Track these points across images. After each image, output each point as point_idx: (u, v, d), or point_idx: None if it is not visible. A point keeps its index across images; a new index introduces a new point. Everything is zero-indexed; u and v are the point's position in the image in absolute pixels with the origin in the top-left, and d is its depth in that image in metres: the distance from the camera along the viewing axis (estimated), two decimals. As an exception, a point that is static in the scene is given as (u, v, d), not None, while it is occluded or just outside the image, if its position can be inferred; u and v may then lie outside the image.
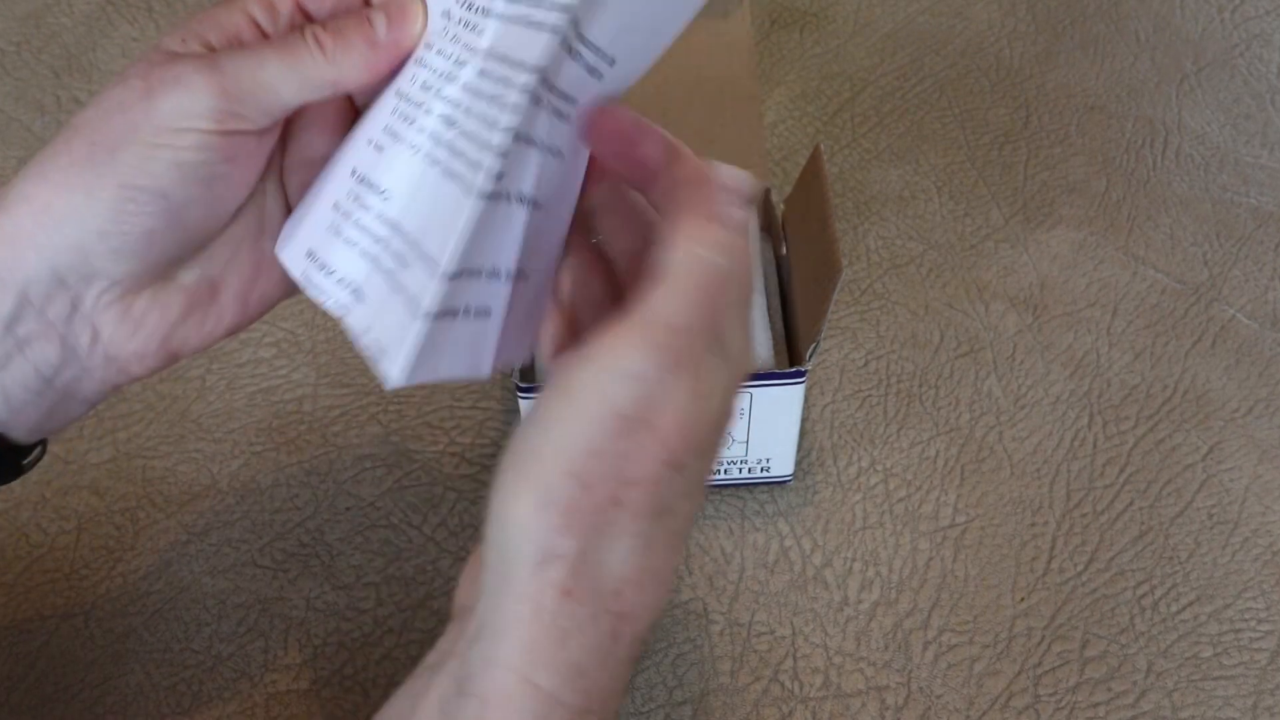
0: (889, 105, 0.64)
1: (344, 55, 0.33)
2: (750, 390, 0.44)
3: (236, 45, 0.33)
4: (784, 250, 0.48)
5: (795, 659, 0.44)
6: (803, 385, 0.44)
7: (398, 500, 0.49)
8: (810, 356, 0.43)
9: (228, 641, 0.45)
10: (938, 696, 0.43)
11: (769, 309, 0.47)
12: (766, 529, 0.48)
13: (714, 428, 0.29)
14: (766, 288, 0.47)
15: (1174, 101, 0.64)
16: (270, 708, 0.43)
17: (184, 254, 0.34)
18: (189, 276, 0.35)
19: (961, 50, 0.67)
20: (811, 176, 0.45)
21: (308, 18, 0.34)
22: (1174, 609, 0.45)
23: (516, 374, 0.43)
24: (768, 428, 0.46)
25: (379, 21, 0.33)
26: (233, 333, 0.36)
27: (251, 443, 0.51)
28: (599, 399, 0.27)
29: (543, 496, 0.26)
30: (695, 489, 0.29)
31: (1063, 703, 0.42)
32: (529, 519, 0.27)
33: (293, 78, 0.33)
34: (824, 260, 0.42)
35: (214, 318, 0.36)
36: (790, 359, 0.46)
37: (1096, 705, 0.42)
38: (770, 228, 0.50)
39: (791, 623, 0.45)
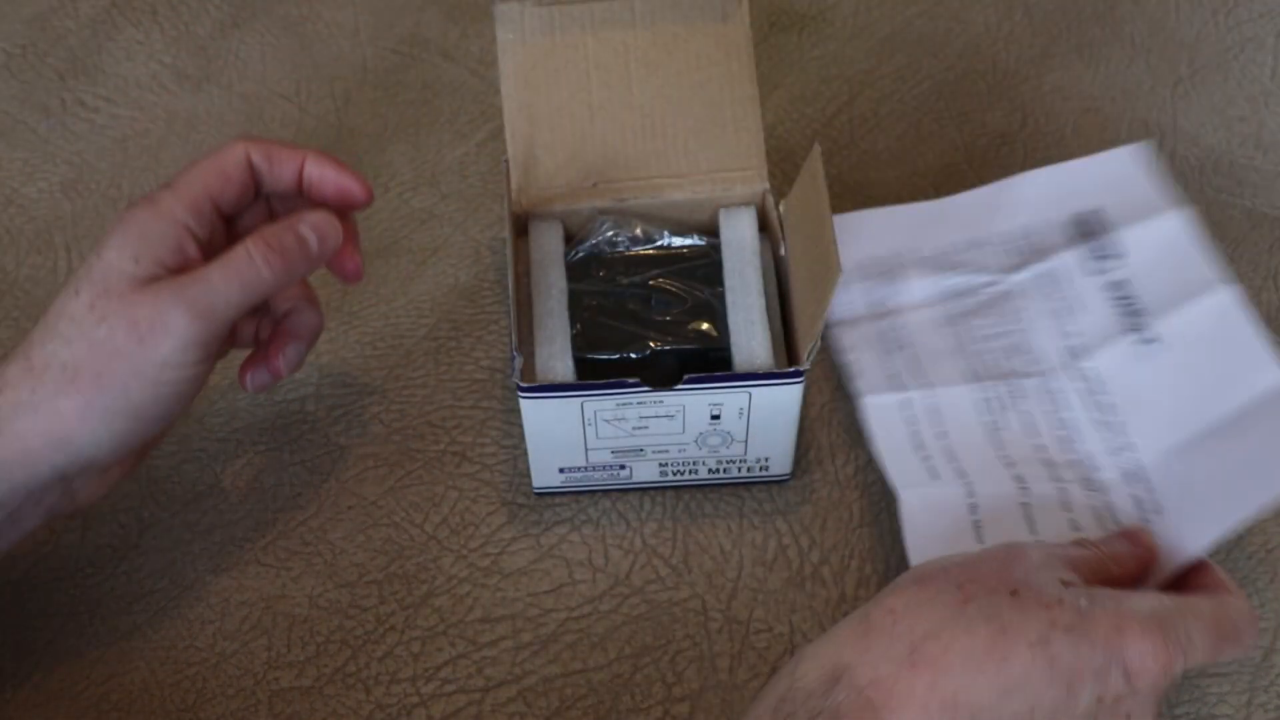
0: (887, 107, 0.65)
1: (286, 269, 0.40)
2: (749, 389, 0.44)
3: (186, 265, 0.40)
4: (782, 251, 0.48)
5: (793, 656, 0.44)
6: (801, 385, 0.44)
7: (400, 499, 0.49)
8: (809, 357, 0.43)
9: (231, 639, 0.45)
10: (934, 693, 0.43)
11: (768, 310, 0.47)
12: (764, 527, 0.48)
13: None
14: (765, 289, 0.48)
15: (1169, 104, 0.64)
16: (274, 705, 0.44)
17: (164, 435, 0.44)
18: (148, 442, 0.43)
19: (959, 53, 0.67)
20: (810, 177, 0.45)
21: (222, 217, 0.43)
22: (1168, 606, 0.45)
23: (517, 374, 0.44)
24: (766, 427, 0.46)
25: (312, 239, 0.41)
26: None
27: (255, 442, 0.51)
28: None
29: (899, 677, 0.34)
30: None
31: (1058, 699, 0.43)
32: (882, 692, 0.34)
33: (247, 294, 0.40)
34: (822, 261, 0.42)
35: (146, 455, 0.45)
36: (789, 359, 0.47)
37: (1091, 701, 0.43)
38: (769, 228, 0.50)
39: (790, 620, 0.45)
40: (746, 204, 0.50)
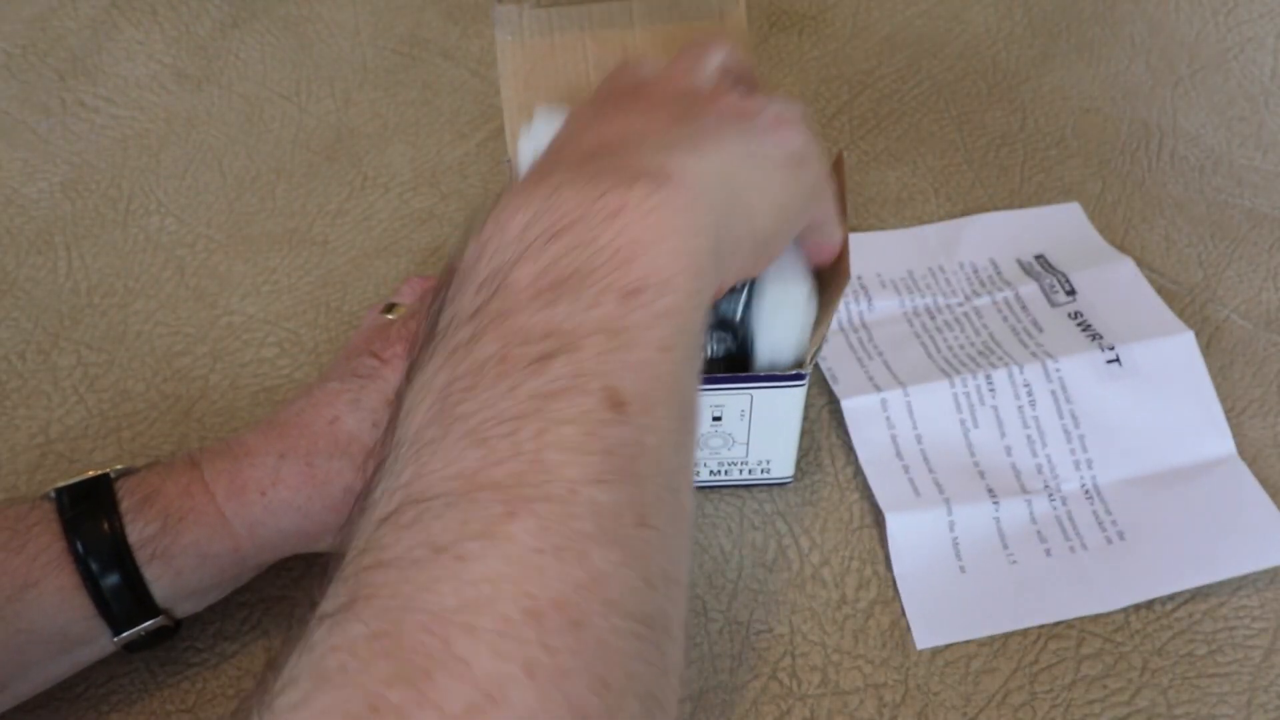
0: (886, 108, 0.65)
1: None
2: (751, 391, 0.44)
3: None
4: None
5: (794, 657, 0.44)
6: (804, 387, 0.44)
7: (400, 499, 0.49)
8: (812, 360, 0.43)
9: (232, 640, 0.45)
10: (935, 694, 0.43)
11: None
12: (765, 528, 0.48)
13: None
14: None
15: (1169, 104, 0.64)
16: (274, 705, 0.44)
17: None
18: None
19: (959, 53, 0.67)
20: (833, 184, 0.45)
21: None
22: (1169, 607, 0.45)
23: None
24: (768, 429, 0.46)
25: None
26: None
27: (255, 443, 0.51)
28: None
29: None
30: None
31: (1059, 700, 0.43)
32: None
33: None
34: (833, 267, 0.43)
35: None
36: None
37: (1092, 702, 0.43)
38: None
39: (790, 621, 0.45)
40: None
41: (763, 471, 0.48)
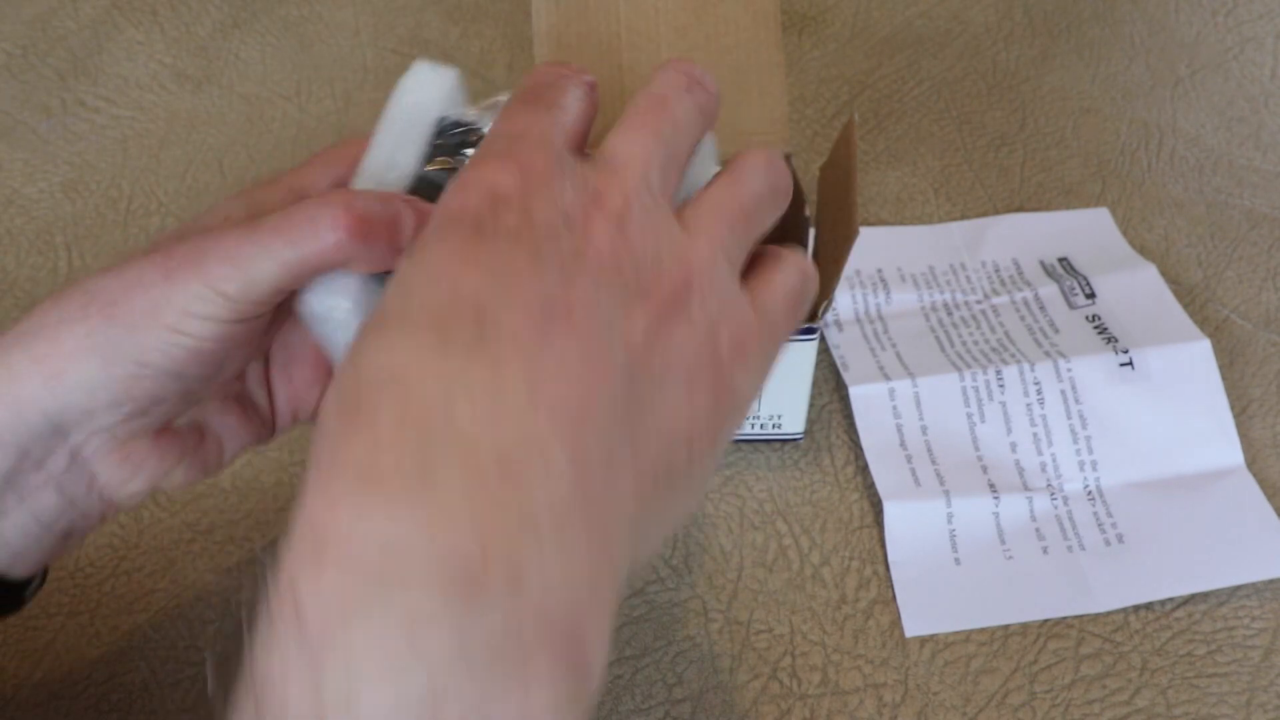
0: (886, 108, 0.65)
1: (358, 240, 0.31)
2: None
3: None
4: (807, 212, 0.49)
5: (793, 656, 0.44)
6: (815, 342, 0.45)
7: (400, 499, 0.49)
8: (823, 314, 0.44)
9: (231, 639, 0.45)
10: (934, 694, 0.43)
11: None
12: (765, 528, 0.48)
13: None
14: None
15: (1168, 104, 0.64)
16: (274, 704, 0.44)
17: (183, 411, 0.35)
18: (182, 422, 0.36)
19: (959, 54, 0.68)
20: (844, 143, 0.46)
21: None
22: (1168, 607, 0.45)
23: None
24: (779, 384, 0.46)
25: (408, 219, 0.32)
26: (210, 476, 0.37)
27: (255, 443, 0.51)
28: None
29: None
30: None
31: (1058, 700, 0.43)
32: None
33: (296, 252, 0.31)
34: (844, 222, 0.43)
35: (200, 461, 0.36)
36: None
37: (1091, 702, 0.43)
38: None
39: (790, 621, 0.45)
40: None
41: (774, 427, 0.48)
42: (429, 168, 0.34)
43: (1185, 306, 0.54)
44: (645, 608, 0.46)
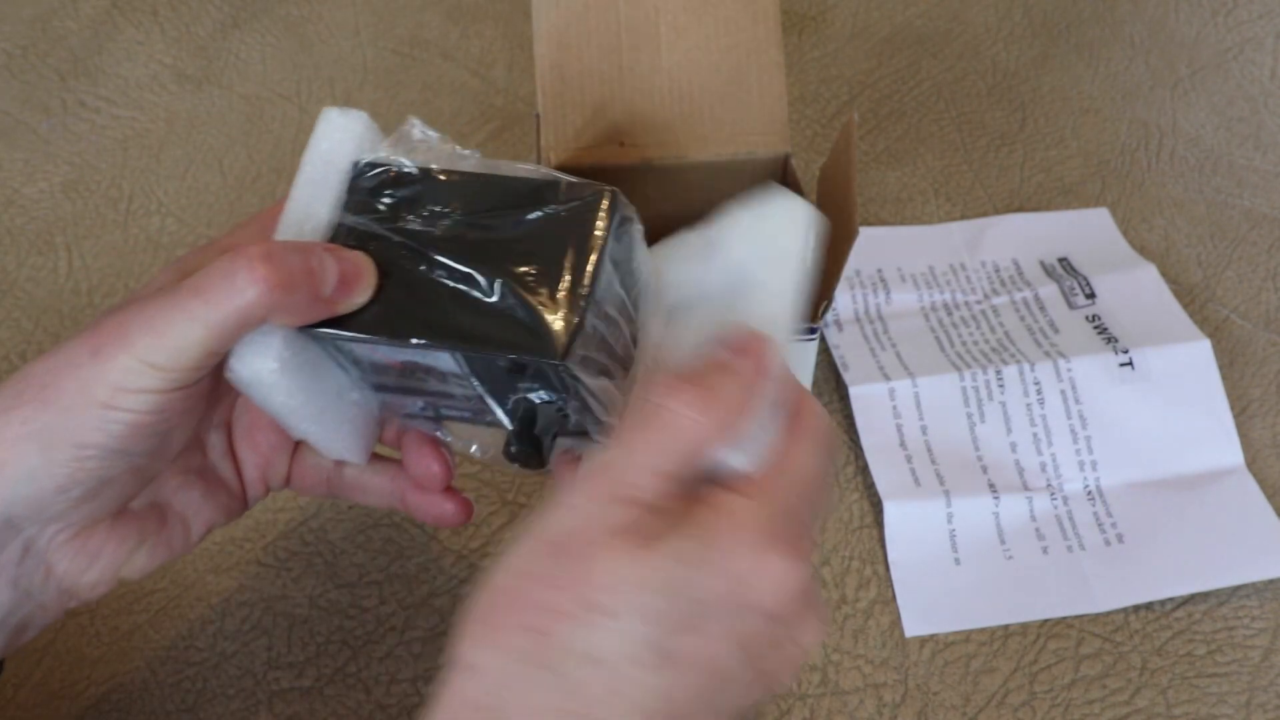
0: (886, 108, 0.65)
1: (277, 291, 0.31)
2: None
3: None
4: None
5: (793, 656, 0.44)
6: (815, 342, 0.45)
7: (400, 499, 0.49)
8: (823, 314, 0.44)
9: (231, 639, 0.45)
10: (934, 694, 0.43)
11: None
12: (765, 528, 0.48)
13: (661, 584, 0.27)
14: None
15: (1168, 104, 0.64)
16: (273, 705, 0.44)
17: (138, 491, 0.34)
18: (140, 503, 0.35)
19: (959, 54, 0.68)
20: (844, 144, 0.46)
21: None
22: (1168, 606, 0.45)
23: None
24: None
25: (329, 272, 0.31)
26: (176, 557, 0.36)
27: (255, 443, 0.51)
28: (535, 527, 0.28)
29: (477, 610, 0.27)
30: (647, 658, 0.26)
31: (1058, 699, 0.43)
32: (463, 628, 0.27)
33: (217, 312, 0.31)
34: (844, 223, 0.43)
35: (164, 543, 0.35)
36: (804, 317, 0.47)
37: (1091, 702, 0.43)
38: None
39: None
40: (770, 172, 0.50)
41: None
42: (347, 214, 0.33)
43: (1185, 306, 0.54)
44: (645, 608, 0.46)
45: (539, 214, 0.32)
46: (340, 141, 0.34)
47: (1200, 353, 0.50)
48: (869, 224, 0.59)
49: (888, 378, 0.51)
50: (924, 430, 0.50)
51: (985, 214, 0.60)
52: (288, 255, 0.31)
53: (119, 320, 0.31)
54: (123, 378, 0.31)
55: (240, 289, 0.30)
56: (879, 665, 0.44)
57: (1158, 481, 0.48)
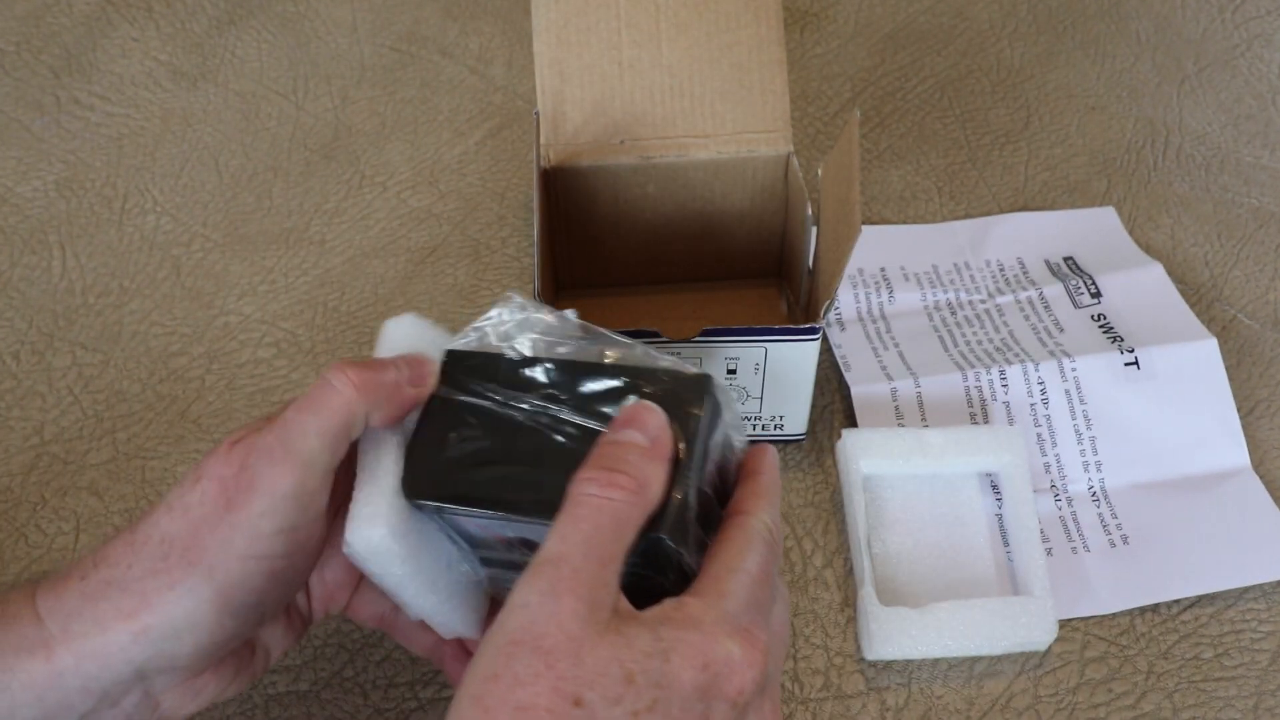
0: (890, 106, 0.64)
1: (369, 392, 0.34)
2: (765, 345, 0.44)
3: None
4: (810, 210, 0.49)
5: (796, 660, 0.44)
6: (817, 342, 0.45)
7: (397, 501, 0.49)
8: (825, 313, 0.43)
9: (227, 643, 0.45)
10: (938, 698, 0.42)
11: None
12: (767, 530, 0.48)
13: (621, 670, 0.28)
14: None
15: (1175, 102, 0.64)
16: (270, 709, 0.43)
17: (250, 635, 0.37)
18: (237, 643, 0.36)
19: (962, 51, 0.67)
20: (846, 142, 0.46)
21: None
22: (1174, 610, 0.45)
23: None
24: (782, 384, 0.46)
25: (401, 374, 0.35)
26: (252, 683, 0.39)
27: (251, 444, 0.51)
28: (496, 629, 0.29)
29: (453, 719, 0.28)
30: None
31: (1063, 704, 0.42)
32: None
33: (327, 420, 0.33)
34: (846, 221, 0.43)
35: (249, 672, 0.37)
36: (806, 316, 0.47)
37: (1097, 706, 0.42)
38: (790, 189, 0.51)
39: (792, 624, 0.45)
40: (772, 170, 0.50)
41: (776, 428, 0.48)
42: (453, 392, 0.35)
43: (1192, 306, 0.53)
44: (645, 611, 0.45)
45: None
46: (405, 349, 0.36)
47: (1207, 352, 0.50)
48: (872, 223, 0.59)
49: (890, 377, 0.50)
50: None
51: (989, 212, 0.59)
52: (365, 363, 0.34)
53: (242, 465, 0.33)
54: (259, 522, 0.33)
55: (338, 389, 0.33)
56: (882, 669, 0.43)
57: (1163, 482, 0.48)
